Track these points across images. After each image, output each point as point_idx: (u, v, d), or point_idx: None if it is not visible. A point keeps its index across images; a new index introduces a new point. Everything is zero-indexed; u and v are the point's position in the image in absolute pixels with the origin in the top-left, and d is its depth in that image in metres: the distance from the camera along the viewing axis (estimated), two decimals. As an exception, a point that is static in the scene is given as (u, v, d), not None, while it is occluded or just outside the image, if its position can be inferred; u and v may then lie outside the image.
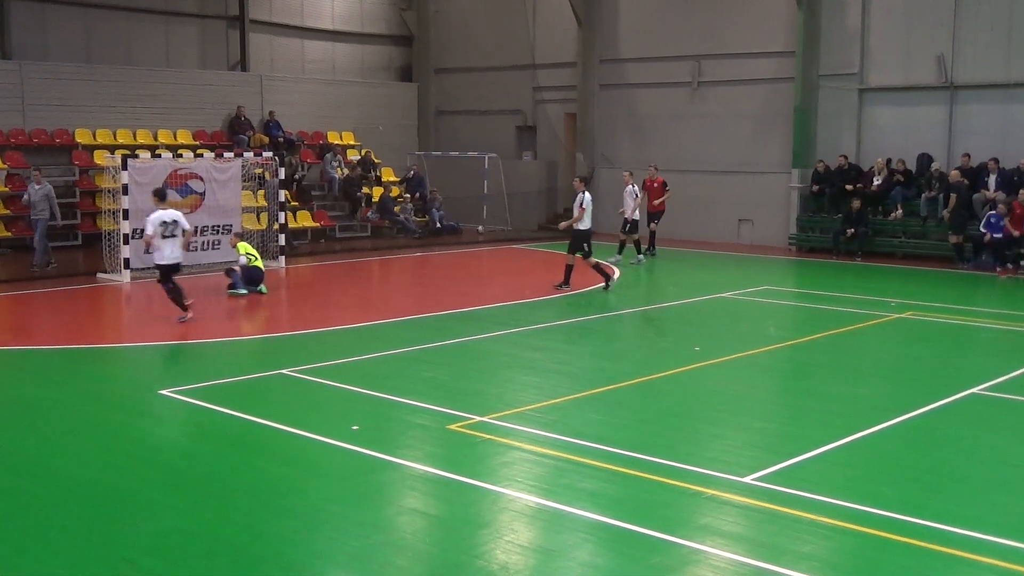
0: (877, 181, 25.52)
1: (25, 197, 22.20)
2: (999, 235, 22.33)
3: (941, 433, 10.48)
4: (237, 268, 19.15)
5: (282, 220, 23.46)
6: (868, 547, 7.42)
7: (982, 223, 23.05)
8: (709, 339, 14.99)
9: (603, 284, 19.16)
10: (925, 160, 25.23)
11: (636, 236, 23.90)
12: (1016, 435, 10.91)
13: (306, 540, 7.38)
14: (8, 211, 24.33)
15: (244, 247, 19.80)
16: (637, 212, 23.58)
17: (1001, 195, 22.96)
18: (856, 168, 26.18)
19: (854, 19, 26.31)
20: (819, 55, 26.84)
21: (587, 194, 19.47)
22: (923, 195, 24.76)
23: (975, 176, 24.13)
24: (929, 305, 18.13)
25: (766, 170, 27.87)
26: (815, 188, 26.61)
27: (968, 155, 24.32)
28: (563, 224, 20.75)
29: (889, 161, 25.64)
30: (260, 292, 19.00)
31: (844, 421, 10.60)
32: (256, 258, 19.67)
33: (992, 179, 23.71)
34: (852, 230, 25.09)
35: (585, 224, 19.19)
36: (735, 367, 13.34)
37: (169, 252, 15.66)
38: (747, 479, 8.76)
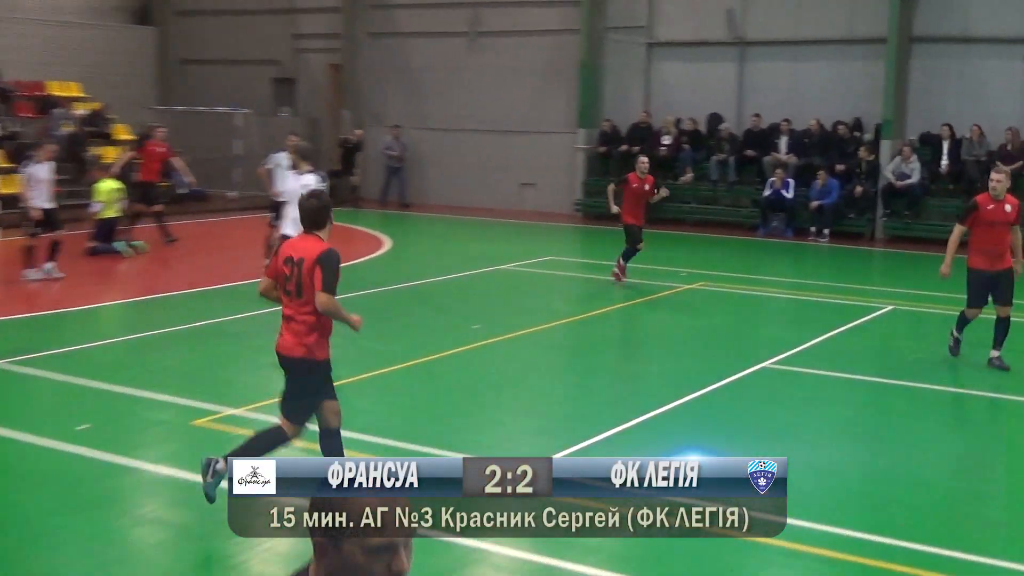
0: (666, 142, 26.18)
1: None
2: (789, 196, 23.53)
3: (731, 410, 10.98)
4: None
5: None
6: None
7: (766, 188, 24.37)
8: (489, 316, 15.17)
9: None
10: (715, 120, 26.20)
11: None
12: (803, 408, 11.60)
13: (24, 560, 7.02)
14: None
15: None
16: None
17: (794, 159, 24.19)
18: (646, 127, 26.75)
19: (641, -33, 27.09)
20: (606, 5, 27.48)
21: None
22: (713, 158, 25.61)
23: (765, 138, 25.25)
24: (720, 275, 18.94)
25: (550, 130, 28.36)
26: (602, 149, 27.25)
27: (759, 115, 25.44)
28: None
29: (679, 121, 26.36)
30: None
31: (634, 401, 10.96)
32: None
33: (783, 141, 24.80)
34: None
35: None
36: (518, 345, 13.56)
37: None
38: (530, 468, 8.89)
